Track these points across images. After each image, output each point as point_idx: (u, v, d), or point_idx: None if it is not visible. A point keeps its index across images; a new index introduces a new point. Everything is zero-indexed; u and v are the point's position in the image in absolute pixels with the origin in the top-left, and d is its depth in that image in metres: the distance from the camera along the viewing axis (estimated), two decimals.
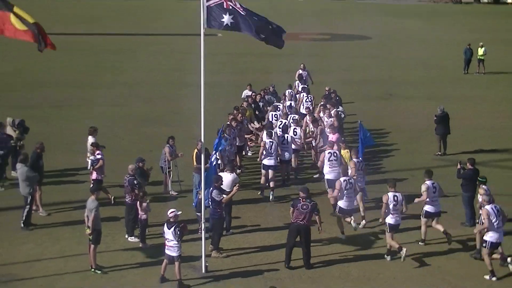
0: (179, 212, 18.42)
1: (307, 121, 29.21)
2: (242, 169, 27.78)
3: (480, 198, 20.70)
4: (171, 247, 18.22)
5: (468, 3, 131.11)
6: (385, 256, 20.38)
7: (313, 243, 20.34)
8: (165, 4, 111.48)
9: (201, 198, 19.86)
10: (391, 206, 20.15)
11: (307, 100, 33.74)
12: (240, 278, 18.67)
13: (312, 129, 28.27)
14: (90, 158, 24.07)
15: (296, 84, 38.73)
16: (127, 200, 21.19)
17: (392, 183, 20.77)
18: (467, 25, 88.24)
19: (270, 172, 25.28)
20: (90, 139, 25.07)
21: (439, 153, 30.87)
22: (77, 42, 63.23)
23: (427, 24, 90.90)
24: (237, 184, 21.39)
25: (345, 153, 24.75)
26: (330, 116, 29.35)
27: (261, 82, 41.29)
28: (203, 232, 19.36)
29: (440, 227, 21.16)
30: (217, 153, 21.89)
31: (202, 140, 20.27)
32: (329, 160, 24.28)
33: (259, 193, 25.37)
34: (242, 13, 18.35)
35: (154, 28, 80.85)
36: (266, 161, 25.36)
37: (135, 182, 21.08)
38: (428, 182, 21.32)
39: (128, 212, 21.23)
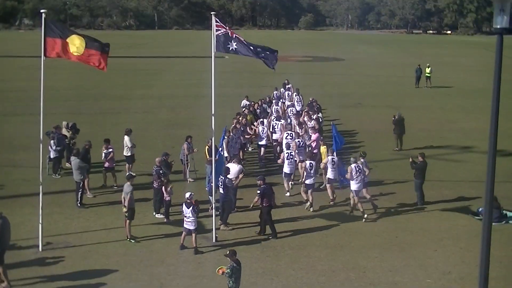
0: (193, 194, 18.45)
1: (294, 124, 28.51)
2: (244, 161, 27.65)
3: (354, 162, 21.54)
4: (189, 222, 18.15)
5: (418, 33, 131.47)
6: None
7: (300, 219, 20.30)
8: (185, 34, 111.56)
9: (212, 184, 19.80)
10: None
11: (298, 101, 34.49)
12: (243, 246, 18.57)
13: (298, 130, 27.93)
14: (104, 151, 23.98)
15: (281, 91, 39.26)
16: (154, 185, 21.09)
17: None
18: (417, 50, 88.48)
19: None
20: (126, 138, 25.05)
21: (397, 148, 30.76)
22: (118, 64, 63.20)
23: (387, 49, 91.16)
24: (242, 173, 21.46)
25: (323, 149, 24.62)
26: (311, 120, 29.24)
27: (256, 94, 41.08)
28: (213, 210, 19.31)
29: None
30: (222, 147, 21.97)
31: (213, 139, 20.21)
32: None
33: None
34: (244, 42, 18.49)
35: (177, 52, 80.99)
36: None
37: (161, 171, 20.99)
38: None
39: (155, 195, 21.12)
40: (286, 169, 23.37)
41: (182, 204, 18.36)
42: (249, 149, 30.02)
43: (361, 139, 33.27)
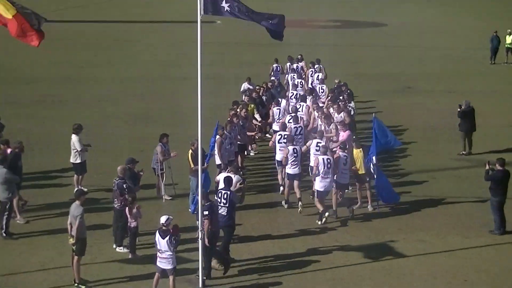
0: (171, 218, 18.18)
1: (316, 116, 28.82)
2: (244, 170, 27.45)
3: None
4: (165, 259, 17.90)
5: None
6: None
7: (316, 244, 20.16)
8: None
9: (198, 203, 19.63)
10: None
11: (321, 90, 34.67)
12: None
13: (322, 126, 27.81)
14: None
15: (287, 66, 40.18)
16: (115, 205, 20.97)
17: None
18: (493, 11, 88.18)
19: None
20: (74, 138, 24.91)
21: (464, 152, 30.56)
22: (63, 32, 63.14)
23: (449, 11, 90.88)
24: (240, 183, 21.66)
25: (357, 152, 24.43)
26: (340, 111, 29.02)
27: (262, 74, 41.06)
28: (200, 241, 19.07)
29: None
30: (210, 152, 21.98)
31: (200, 139, 19.89)
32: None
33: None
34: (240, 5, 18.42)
35: (146, 15, 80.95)
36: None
37: (125, 185, 20.83)
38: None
39: (117, 219, 20.98)
40: (278, 156, 25.25)
41: (155, 232, 18.13)
42: (252, 153, 29.85)
43: (411, 139, 33.22)
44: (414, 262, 20.61)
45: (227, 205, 20.02)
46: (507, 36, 53.97)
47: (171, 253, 17.87)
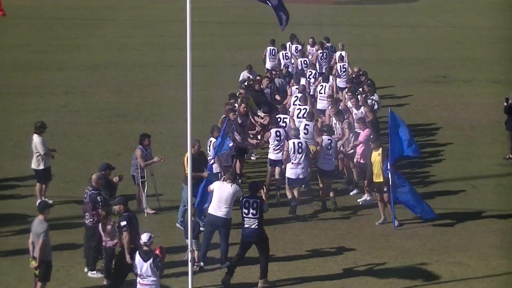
0: (153, 236, 18.31)
1: (330, 113, 29.04)
2: (244, 178, 27.59)
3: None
4: (147, 285, 18.06)
5: None
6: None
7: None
8: None
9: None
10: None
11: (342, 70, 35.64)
12: None
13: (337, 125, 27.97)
14: None
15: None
16: (86, 221, 21.03)
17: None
18: None
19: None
20: (36, 139, 25.00)
21: (511, 156, 30.69)
22: (20, 8, 63.25)
23: None
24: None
25: (376, 155, 24.50)
26: (359, 107, 29.12)
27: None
28: (189, 264, 19.25)
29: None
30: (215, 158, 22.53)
31: (188, 140, 19.98)
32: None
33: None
34: None
35: None
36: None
37: (99, 198, 20.97)
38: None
39: (89, 238, 21.04)
40: (271, 155, 26.19)
41: (135, 253, 18.28)
42: (253, 157, 29.96)
43: (445, 139, 33.39)
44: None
45: (257, 215, 20.20)
46: None
47: (154, 279, 17.92)
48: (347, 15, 66.49)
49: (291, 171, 24.62)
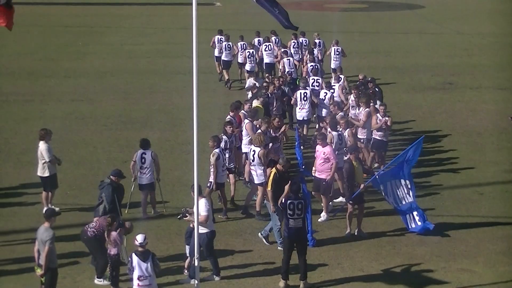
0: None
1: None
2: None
3: None
4: (146, 286, 18.33)
5: None
6: None
7: None
8: None
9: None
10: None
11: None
12: None
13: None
14: None
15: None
16: (89, 230, 21.00)
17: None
18: None
19: None
20: (42, 146, 25.06)
21: None
22: (27, 15, 63.36)
23: None
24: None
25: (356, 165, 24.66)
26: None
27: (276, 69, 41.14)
28: (197, 262, 19.27)
29: None
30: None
31: (194, 146, 19.95)
32: None
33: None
34: None
35: None
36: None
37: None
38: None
39: (97, 246, 21.05)
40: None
41: (131, 257, 18.47)
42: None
43: (452, 146, 33.43)
44: None
45: (301, 216, 20.88)
46: None
47: (153, 278, 18.34)
48: (353, 22, 66.53)
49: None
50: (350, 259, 22.54)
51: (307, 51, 41.45)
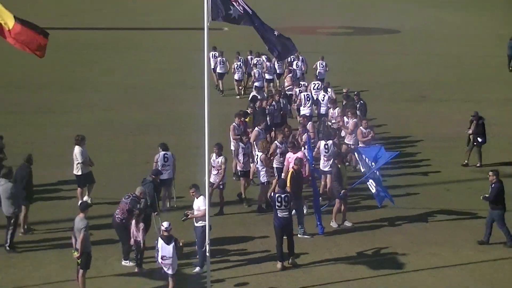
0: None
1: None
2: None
3: None
4: (168, 265, 18.75)
5: None
6: None
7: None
8: None
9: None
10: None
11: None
12: None
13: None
14: None
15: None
16: (116, 218, 21.24)
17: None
18: (510, 17, 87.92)
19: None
20: (77, 150, 25.32)
21: (478, 164, 30.76)
22: (59, 38, 63.16)
23: (466, 16, 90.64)
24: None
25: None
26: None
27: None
28: (208, 251, 19.46)
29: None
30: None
31: (206, 150, 20.08)
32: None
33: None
34: (249, 10, 18.52)
35: (150, 21, 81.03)
36: None
37: (138, 205, 21.19)
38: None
39: (120, 233, 21.31)
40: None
41: (157, 241, 18.81)
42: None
43: (424, 149, 33.64)
44: (427, 276, 20.85)
45: (288, 207, 21.28)
46: None
47: (174, 259, 18.68)
48: (341, 44, 66.31)
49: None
50: (336, 246, 22.78)
51: (287, 65, 43.09)
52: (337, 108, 32.57)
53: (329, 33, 74.18)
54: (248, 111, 30.93)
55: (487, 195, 22.97)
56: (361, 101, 33.42)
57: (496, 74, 53.26)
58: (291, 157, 24.71)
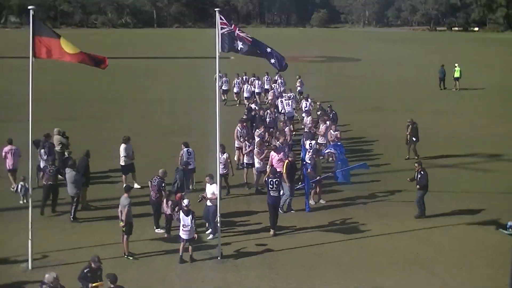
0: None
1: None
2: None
3: None
4: (188, 231, 18.81)
5: (442, 30, 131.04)
6: None
7: (309, 232, 20.48)
8: (186, 32, 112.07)
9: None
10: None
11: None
12: (250, 263, 19.01)
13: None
14: None
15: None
16: (152, 197, 21.39)
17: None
18: (442, 48, 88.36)
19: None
20: (122, 147, 25.53)
21: (411, 157, 30.92)
22: (112, 65, 63.15)
23: (408, 48, 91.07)
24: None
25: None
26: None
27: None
28: (219, 223, 19.53)
29: None
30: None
31: (218, 147, 20.30)
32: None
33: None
34: (250, 41, 18.62)
35: (177, 52, 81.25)
36: None
37: (163, 184, 21.22)
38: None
39: (155, 208, 21.41)
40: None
41: (179, 213, 19.01)
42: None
43: (378, 146, 33.67)
44: (382, 240, 20.87)
45: (278, 189, 21.40)
46: (456, 69, 54.31)
47: (192, 226, 18.80)
48: (316, 69, 66.57)
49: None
50: (313, 218, 22.77)
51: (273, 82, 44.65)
52: (310, 117, 32.61)
53: (307, 61, 74.38)
54: (244, 117, 31.08)
55: (411, 179, 23.41)
56: (334, 112, 33.48)
57: (430, 91, 53.49)
58: (273, 155, 24.52)
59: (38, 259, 18.73)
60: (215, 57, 19.01)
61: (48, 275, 14.35)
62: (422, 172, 22.83)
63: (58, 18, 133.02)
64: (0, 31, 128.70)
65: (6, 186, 25.62)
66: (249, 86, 44.69)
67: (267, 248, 20.13)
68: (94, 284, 15.01)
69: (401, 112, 43.25)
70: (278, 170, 23.13)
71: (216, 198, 19.94)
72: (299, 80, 45.84)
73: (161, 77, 60.39)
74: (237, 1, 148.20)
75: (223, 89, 45.53)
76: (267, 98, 42.22)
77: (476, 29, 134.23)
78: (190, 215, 18.71)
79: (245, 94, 44.28)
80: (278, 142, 26.07)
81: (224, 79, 45.71)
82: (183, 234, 18.83)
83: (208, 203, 20.61)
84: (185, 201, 18.99)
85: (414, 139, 30.83)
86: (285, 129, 29.08)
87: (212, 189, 20.54)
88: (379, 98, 49.46)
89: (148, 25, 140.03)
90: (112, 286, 14.41)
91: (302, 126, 32.44)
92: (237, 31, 18.61)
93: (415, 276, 18.21)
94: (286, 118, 33.63)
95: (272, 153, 24.79)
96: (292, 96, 37.49)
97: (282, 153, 24.62)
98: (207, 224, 21.12)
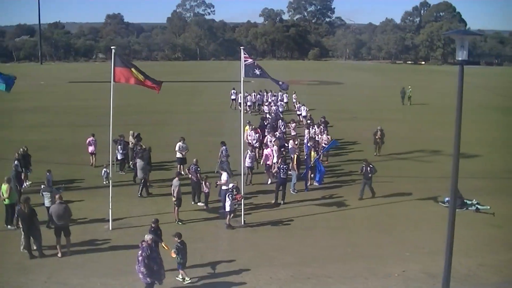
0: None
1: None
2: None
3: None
4: (224, 205, 19.07)
5: (399, 63, 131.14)
6: None
7: (308, 205, 20.40)
8: (220, 63, 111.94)
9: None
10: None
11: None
12: (265, 227, 19.08)
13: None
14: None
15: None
16: (194, 179, 21.34)
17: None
18: (399, 76, 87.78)
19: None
20: (178, 144, 25.60)
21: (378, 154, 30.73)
22: (167, 87, 62.60)
23: (376, 75, 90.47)
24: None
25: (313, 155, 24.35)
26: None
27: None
28: (243, 200, 19.52)
29: None
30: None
31: (242, 145, 20.27)
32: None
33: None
34: (261, 68, 18.86)
35: (213, 77, 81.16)
36: None
37: (198, 169, 21.26)
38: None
39: (195, 187, 21.39)
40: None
41: (219, 192, 19.53)
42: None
43: (355, 145, 33.45)
44: (355, 211, 20.95)
45: (286, 172, 21.06)
46: (409, 90, 54.47)
47: (230, 202, 18.73)
48: (312, 90, 66.18)
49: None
50: (310, 195, 22.74)
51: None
52: (294, 123, 31.86)
53: (305, 84, 74.12)
54: (248, 122, 29.74)
55: (360, 172, 22.50)
56: (326, 120, 33.08)
57: (395, 106, 52.96)
58: (266, 151, 24.28)
59: (116, 221, 18.92)
60: (240, 81, 19.18)
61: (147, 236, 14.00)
62: (370, 166, 22.46)
63: (131, 54, 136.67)
64: (92, 64, 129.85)
65: (92, 172, 25.82)
66: (252, 99, 45.38)
67: (277, 217, 20.16)
68: (164, 244, 14.91)
69: (371, 120, 42.79)
70: (268, 163, 23.11)
71: (225, 184, 19.89)
72: (294, 95, 46.31)
73: (201, 96, 60.37)
74: (256, 42, 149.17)
75: (232, 99, 46.22)
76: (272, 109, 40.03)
77: (423, 62, 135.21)
78: (224, 192, 18.92)
79: (249, 103, 44.70)
80: (290, 143, 26.09)
81: (248, 96, 45.61)
82: (222, 208, 19.08)
83: (222, 188, 20.54)
84: (231, 185, 19.08)
85: (383, 141, 30.63)
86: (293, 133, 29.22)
87: (224, 177, 20.44)
88: (356, 110, 49.03)
89: (193, 59, 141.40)
90: (178, 240, 14.27)
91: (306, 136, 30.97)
92: (256, 63, 18.80)
93: (378, 236, 18.35)
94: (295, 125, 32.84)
95: (266, 150, 24.50)
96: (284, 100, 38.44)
97: (269, 150, 24.27)
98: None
